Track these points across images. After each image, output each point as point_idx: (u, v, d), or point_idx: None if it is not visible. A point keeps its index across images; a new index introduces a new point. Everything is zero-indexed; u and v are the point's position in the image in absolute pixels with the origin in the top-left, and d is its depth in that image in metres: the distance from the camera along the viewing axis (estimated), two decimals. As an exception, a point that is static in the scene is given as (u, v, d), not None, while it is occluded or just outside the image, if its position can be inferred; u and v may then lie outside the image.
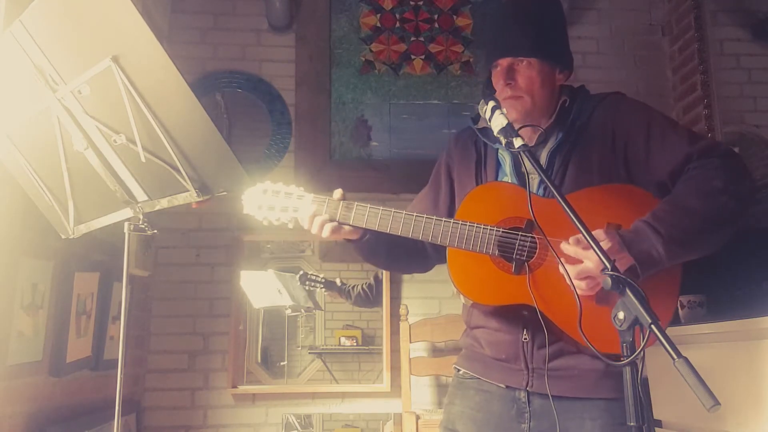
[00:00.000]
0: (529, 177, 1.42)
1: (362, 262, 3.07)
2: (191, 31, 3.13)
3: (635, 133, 1.41)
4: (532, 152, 1.24)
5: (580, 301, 1.16)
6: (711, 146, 1.36)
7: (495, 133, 1.29)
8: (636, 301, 0.94)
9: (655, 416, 2.16)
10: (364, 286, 3.06)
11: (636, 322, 0.94)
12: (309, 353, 3.12)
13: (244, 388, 2.85)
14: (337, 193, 1.46)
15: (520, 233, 1.36)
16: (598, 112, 1.46)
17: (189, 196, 1.38)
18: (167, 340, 2.87)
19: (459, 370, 1.54)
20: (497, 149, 1.51)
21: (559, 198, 1.12)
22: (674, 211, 1.28)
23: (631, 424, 0.94)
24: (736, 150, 2.91)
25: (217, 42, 3.14)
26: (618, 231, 1.25)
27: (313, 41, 3.18)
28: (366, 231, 1.47)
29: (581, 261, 1.25)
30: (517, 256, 1.35)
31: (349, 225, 1.43)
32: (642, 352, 0.93)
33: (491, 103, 1.32)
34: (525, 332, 1.39)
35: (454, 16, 3.29)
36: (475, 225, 1.36)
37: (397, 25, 3.26)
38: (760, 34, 3.16)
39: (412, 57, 3.23)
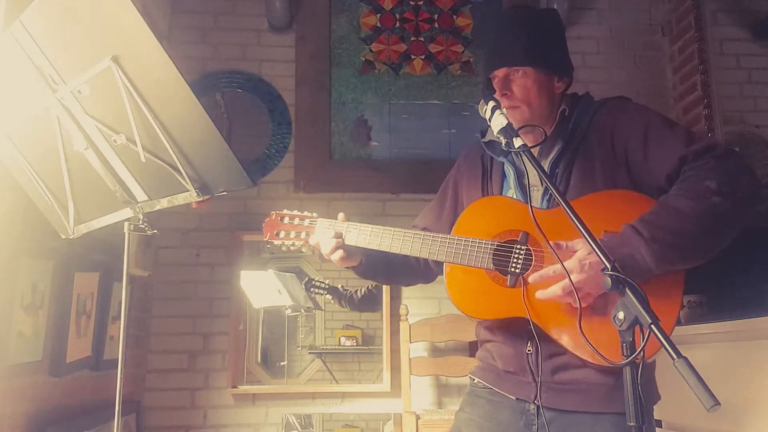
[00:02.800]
0: (531, 190, 1.43)
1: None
2: (191, 31, 3.13)
3: (634, 137, 1.38)
4: (531, 153, 1.24)
5: (580, 301, 1.16)
6: (707, 147, 1.31)
7: (495, 133, 1.29)
8: (636, 301, 0.94)
9: (655, 416, 2.16)
10: (370, 287, 3.05)
11: (636, 322, 0.93)
12: (309, 353, 3.12)
13: (244, 388, 2.85)
14: (341, 216, 1.53)
15: (515, 246, 1.36)
16: (597, 117, 1.44)
17: (189, 196, 1.38)
18: (167, 340, 2.86)
19: (473, 379, 1.54)
20: (502, 163, 1.50)
21: (560, 199, 1.12)
22: (661, 213, 1.25)
23: (631, 424, 0.94)
24: (737, 149, 2.91)
25: (217, 42, 3.14)
26: (603, 236, 1.24)
27: (313, 41, 3.18)
28: (362, 256, 1.54)
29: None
30: (512, 269, 1.35)
31: (351, 245, 1.50)
32: (642, 352, 0.93)
33: (491, 103, 1.32)
34: (529, 344, 1.38)
35: (454, 16, 3.29)
36: (470, 240, 1.37)
37: (397, 25, 3.26)
38: (760, 34, 3.16)
39: (412, 57, 3.23)
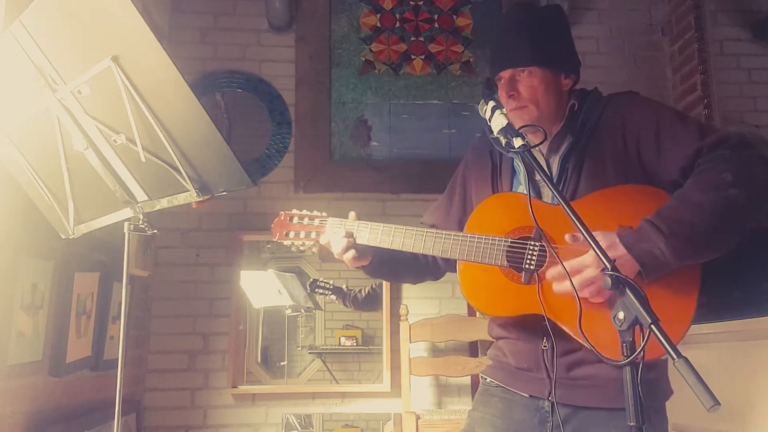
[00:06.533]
0: (541, 186, 1.43)
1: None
2: (191, 31, 3.13)
3: (645, 131, 1.36)
4: (532, 153, 1.24)
5: (579, 300, 1.16)
6: (722, 138, 1.28)
7: (495, 133, 1.29)
8: (636, 301, 0.94)
9: (655, 416, 2.15)
10: (374, 286, 3.05)
11: (636, 322, 0.93)
12: (309, 353, 3.12)
13: (244, 388, 2.85)
14: (352, 215, 1.52)
15: (529, 242, 1.35)
16: (607, 112, 1.43)
17: (189, 196, 1.38)
18: (167, 340, 2.87)
19: (485, 379, 1.54)
20: (512, 158, 1.49)
21: (560, 198, 1.12)
22: (678, 207, 1.22)
23: (631, 424, 0.94)
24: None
25: (217, 42, 3.14)
26: (618, 232, 1.22)
27: (313, 41, 3.18)
28: (372, 256, 1.52)
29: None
30: (527, 266, 1.34)
31: (363, 244, 1.48)
32: (642, 352, 0.93)
33: (491, 103, 1.32)
34: (544, 341, 1.37)
35: (454, 16, 3.29)
36: (483, 237, 1.36)
37: (397, 25, 3.26)
38: (760, 34, 3.16)
39: (412, 57, 3.23)
